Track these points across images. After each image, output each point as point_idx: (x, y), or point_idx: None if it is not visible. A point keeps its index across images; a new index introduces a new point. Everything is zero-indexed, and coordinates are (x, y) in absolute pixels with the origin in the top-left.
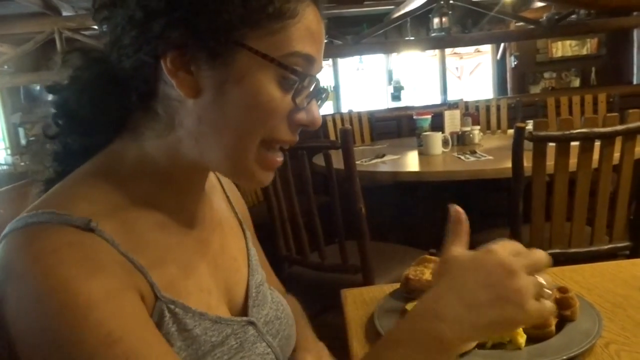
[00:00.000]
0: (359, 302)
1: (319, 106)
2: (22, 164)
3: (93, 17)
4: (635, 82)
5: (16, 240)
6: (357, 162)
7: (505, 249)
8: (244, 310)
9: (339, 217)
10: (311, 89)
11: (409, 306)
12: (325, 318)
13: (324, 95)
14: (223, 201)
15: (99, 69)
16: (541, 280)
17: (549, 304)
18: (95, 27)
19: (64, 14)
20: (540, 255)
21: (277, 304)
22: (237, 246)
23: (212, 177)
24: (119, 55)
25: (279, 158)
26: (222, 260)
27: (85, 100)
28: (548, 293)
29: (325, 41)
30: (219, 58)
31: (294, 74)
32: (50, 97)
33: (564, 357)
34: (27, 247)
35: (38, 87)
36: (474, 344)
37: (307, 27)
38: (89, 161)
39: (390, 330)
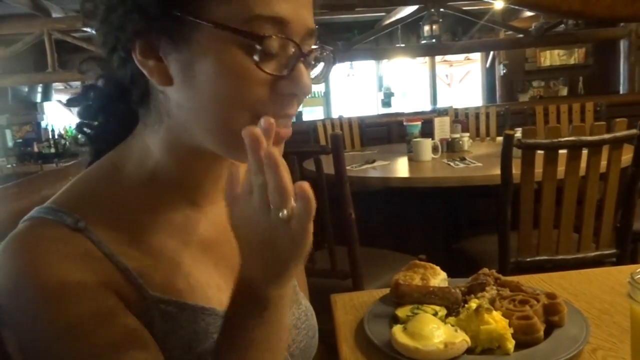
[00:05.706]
0: (349, 307)
1: (318, 71)
2: (9, 166)
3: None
4: (621, 91)
5: (15, 232)
6: (347, 168)
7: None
8: None
9: (329, 222)
10: (292, 53)
11: (399, 311)
12: None
13: (318, 56)
14: None
15: (106, 75)
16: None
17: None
18: (85, 29)
19: (54, 15)
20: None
21: (299, 313)
22: None
23: None
24: (108, 58)
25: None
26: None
27: (97, 109)
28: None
29: (316, 46)
30: (179, 39)
31: (256, 40)
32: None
33: None
34: (18, 240)
35: (26, 89)
36: (463, 348)
37: None
38: (97, 161)
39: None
